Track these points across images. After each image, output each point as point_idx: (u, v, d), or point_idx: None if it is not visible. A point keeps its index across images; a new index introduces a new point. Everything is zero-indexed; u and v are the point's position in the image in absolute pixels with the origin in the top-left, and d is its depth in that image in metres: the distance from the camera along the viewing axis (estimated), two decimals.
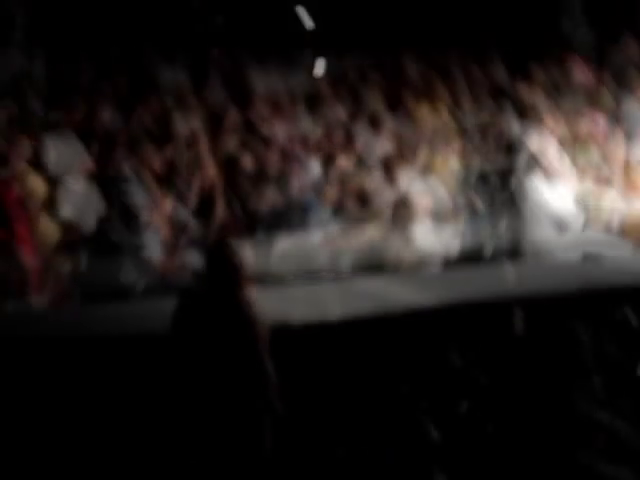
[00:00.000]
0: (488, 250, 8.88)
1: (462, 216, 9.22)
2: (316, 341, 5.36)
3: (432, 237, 8.18)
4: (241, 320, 4.56)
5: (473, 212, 9.70)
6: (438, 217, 8.58)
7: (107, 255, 7.28)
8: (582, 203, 7.87)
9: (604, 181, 9.00)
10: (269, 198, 8.82)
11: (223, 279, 4.64)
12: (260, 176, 9.14)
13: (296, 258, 8.27)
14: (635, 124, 9.45)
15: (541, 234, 7.05)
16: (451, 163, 9.98)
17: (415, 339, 5.54)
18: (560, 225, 7.05)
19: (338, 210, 9.03)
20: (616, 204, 8.79)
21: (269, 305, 5.40)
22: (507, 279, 6.30)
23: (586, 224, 8.27)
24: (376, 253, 8.16)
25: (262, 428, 4.58)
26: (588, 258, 7.00)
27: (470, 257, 9.06)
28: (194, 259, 7.65)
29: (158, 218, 7.48)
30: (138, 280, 7.16)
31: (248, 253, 4.71)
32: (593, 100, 9.69)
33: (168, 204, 7.66)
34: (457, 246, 8.49)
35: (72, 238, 7.43)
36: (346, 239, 8.82)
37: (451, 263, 8.20)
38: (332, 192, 8.95)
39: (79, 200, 8.22)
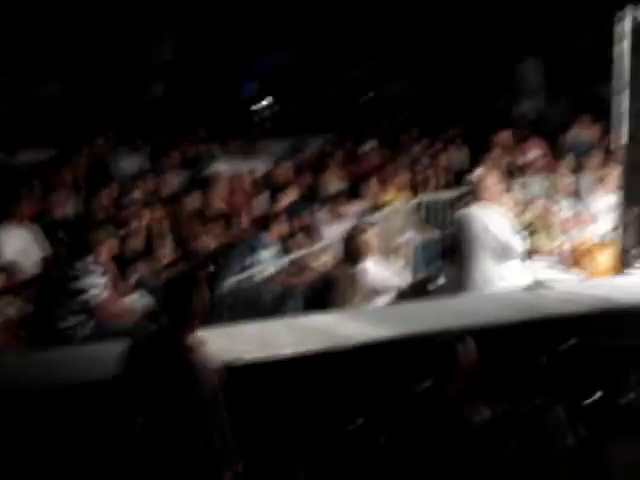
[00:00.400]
0: (438, 281, 8.90)
1: (412, 249, 9.26)
2: (267, 379, 5.30)
3: (383, 270, 8.19)
4: (191, 363, 4.47)
5: (423, 244, 9.76)
6: (388, 250, 8.60)
7: (51, 299, 7.17)
8: (528, 232, 7.92)
9: (551, 210, 9.09)
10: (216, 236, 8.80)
11: (176, 317, 4.55)
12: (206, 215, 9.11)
13: (245, 294, 8.23)
14: (591, 202, 9.60)
15: (487, 264, 7.08)
16: (401, 195, 10.06)
17: (368, 373, 5.50)
18: (505, 254, 7.07)
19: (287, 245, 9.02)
20: (564, 231, 8.89)
21: (218, 343, 5.36)
22: (455, 310, 6.30)
23: (532, 253, 8.36)
24: (326, 288, 8.13)
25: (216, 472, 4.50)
26: (534, 287, 7.02)
27: (420, 289, 9.09)
28: (142, 299, 7.57)
29: (103, 260, 7.37)
30: (82, 324, 7.06)
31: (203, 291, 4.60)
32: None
33: (114, 245, 7.56)
34: (408, 277, 8.50)
35: (14, 282, 7.31)
36: (296, 275, 8.79)
37: (402, 296, 8.20)
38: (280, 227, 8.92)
39: (20, 244, 8.13)
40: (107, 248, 7.43)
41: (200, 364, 4.46)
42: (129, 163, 10.72)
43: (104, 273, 7.30)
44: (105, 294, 7.23)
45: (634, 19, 6.74)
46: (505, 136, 11.52)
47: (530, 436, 4.34)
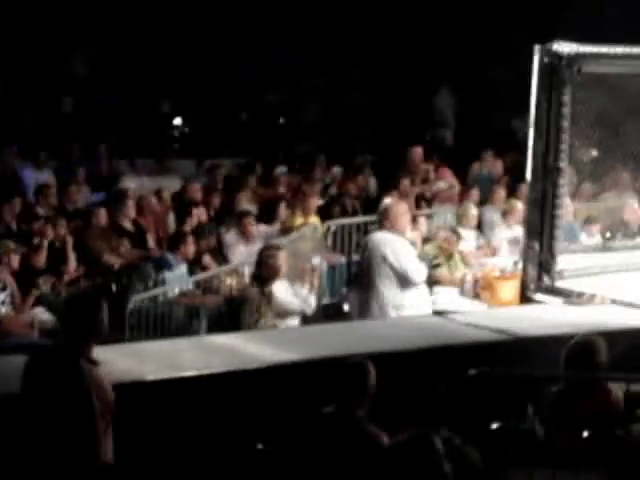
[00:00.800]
0: (343, 306, 8.96)
1: (321, 272, 9.30)
2: (170, 399, 5.25)
3: (291, 293, 8.20)
4: (86, 381, 4.42)
5: (330, 269, 9.82)
6: (297, 273, 8.62)
7: None
8: (433, 260, 8.03)
9: (455, 241, 9.22)
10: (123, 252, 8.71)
11: (74, 335, 4.50)
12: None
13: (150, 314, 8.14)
14: (494, 233, 9.79)
15: (388, 291, 7.17)
16: (311, 220, 10.11)
17: (272, 395, 5.49)
18: (407, 282, 7.17)
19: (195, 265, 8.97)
20: (468, 262, 9.03)
21: (122, 362, 5.29)
22: (359, 335, 6.34)
23: (435, 283, 8.48)
24: (234, 309, 8.09)
25: None
26: (438, 314, 7.11)
27: (328, 313, 9.14)
28: (43, 316, 7.44)
29: (3, 275, 7.23)
30: None
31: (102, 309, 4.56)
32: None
33: (16, 260, 7.43)
34: (315, 302, 8.53)
35: None
36: (203, 295, 8.74)
37: (309, 319, 8.22)
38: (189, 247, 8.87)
39: None
40: (8, 263, 7.29)
41: (94, 382, 4.42)
42: (34, 177, 10.56)
43: (4, 288, 7.16)
44: (5, 309, 7.09)
45: (544, 56, 6.88)
46: (418, 152, 11.69)
47: (406, 465, 4.37)
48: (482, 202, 10.59)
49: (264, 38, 13.87)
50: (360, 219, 10.27)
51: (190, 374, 5.37)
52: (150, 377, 5.24)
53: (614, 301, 6.93)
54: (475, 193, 10.78)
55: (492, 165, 11.97)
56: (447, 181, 11.41)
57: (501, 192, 10.61)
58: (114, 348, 5.66)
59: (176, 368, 5.42)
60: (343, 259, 10.07)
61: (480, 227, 10.04)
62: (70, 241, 8.51)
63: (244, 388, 5.46)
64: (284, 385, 5.56)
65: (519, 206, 9.20)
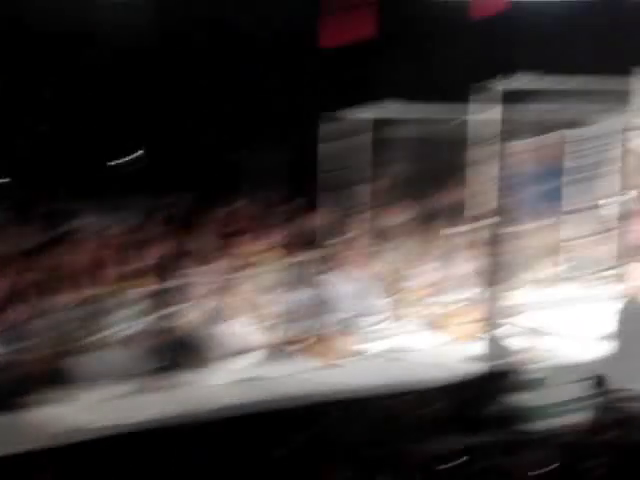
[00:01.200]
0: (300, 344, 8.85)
1: (281, 308, 9.20)
2: (122, 447, 5.11)
3: (250, 330, 8.12)
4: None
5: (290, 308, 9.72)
6: (257, 310, 8.52)
7: None
8: (392, 296, 7.95)
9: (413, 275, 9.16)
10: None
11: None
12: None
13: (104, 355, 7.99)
14: (454, 267, 9.72)
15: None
16: (269, 258, 10.02)
17: (224, 439, 5.38)
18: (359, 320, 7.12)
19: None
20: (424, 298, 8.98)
21: (73, 410, 5.17)
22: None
23: (391, 318, 8.39)
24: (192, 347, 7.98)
25: None
26: (394, 352, 7.05)
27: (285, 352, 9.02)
28: None
29: None
30: None
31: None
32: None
33: None
34: (277, 338, 8.44)
35: None
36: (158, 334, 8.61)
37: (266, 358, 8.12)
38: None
39: None
40: None
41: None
42: None
43: None
44: None
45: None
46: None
47: None
48: (443, 234, 10.48)
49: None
50: (319, 253, 10.17)
51: (139, 420, 5.25)
52: (92, 426, 5.10)
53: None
54: (435, 225, 10.68)
55: (452, 196, 11.88)
56: (404, 215, 11.34)
57: (462, 224, 10.51)
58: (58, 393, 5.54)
59: (123, 414, 5.29)
60: (305, 293, 9.96)
61: (439, 259, 9.94)
62: (22, 281, 8.34)
63: (194, 433, 5.34)
64: (237, 428, 5.43)
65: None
